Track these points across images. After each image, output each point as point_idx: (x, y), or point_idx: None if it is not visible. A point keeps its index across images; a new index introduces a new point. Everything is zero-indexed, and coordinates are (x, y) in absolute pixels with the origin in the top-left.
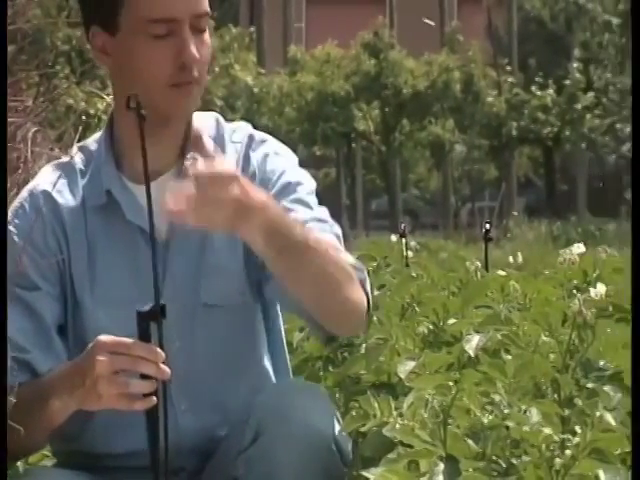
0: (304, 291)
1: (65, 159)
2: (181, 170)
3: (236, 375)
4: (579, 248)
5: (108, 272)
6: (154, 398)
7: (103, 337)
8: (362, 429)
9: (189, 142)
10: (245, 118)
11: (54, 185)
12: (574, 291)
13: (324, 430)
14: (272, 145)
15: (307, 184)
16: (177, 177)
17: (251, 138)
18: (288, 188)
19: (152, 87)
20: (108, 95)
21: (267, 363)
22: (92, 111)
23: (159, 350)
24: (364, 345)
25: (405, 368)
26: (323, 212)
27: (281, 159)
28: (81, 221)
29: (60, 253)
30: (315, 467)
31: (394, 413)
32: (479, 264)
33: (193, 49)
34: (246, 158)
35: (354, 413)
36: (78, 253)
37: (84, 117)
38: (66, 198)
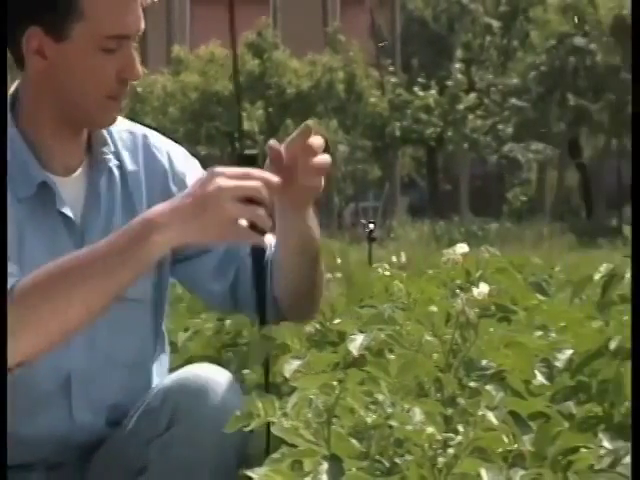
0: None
1: None
2: (91, 164)
3: (134, 373)
4: (462, 248)
5: (34, 259)
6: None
7: (218, 168)
8: (246, 429)
9: (94, 138)
10: (129, 117)
11: None
12: (457, 291)
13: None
14: (174, 143)
15: None
16: (90, 171)
17: (146, 135)
18: None
19: (91, 97)
20: None
21: (159, 362)
22: None
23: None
24: (249, 344)
25: (290, 367)
26: None
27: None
28: (10, 211)
29: None
30: (230, 448)
31: (278, 413)
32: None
33: (139, 66)
34: (148, 149)
35: (238, 413)
36: (10, 240)
37: None
38: None
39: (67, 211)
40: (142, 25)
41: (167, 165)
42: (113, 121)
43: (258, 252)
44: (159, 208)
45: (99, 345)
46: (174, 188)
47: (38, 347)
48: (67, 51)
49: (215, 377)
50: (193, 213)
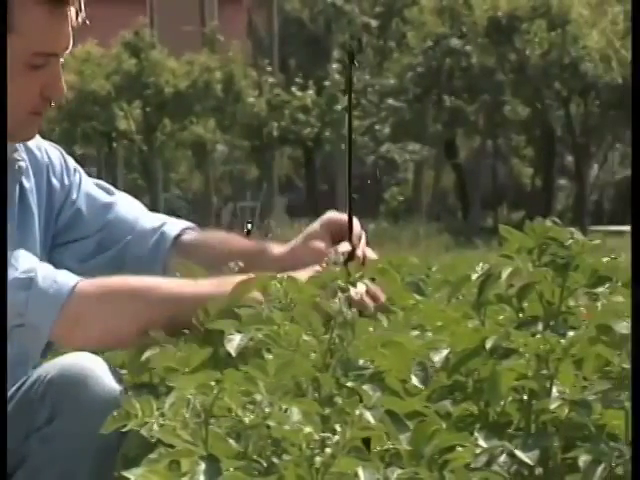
0: None
1: None
2: None
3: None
4: (344, 247)
5: None
6: None
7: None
8: (123, 430)
9: None
10: None
11: None
12: (337, 291)
13: (119, 401)
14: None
15: None
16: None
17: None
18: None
19: (14, 112)
20: None
21: None
22: None
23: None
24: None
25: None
26: None
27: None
28: None
29: None
30: (114, 438)
31: (156, 413)
32: (241, 263)
33: (63, 84)
34: (28, 148)
35: (115, 414)
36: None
37: None
38: None
39: None
40: (70, 43)
41: (47, 160)
42: (34, 136)
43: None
44: None
45: None
46: (54, 181)
47: (98, 340)
48: None
49: (94, 366)
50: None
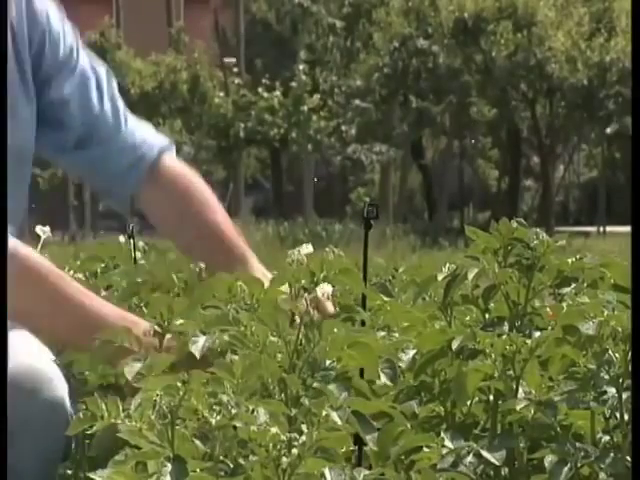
0: None
1: None
2: None
3: None
4: (307, 248)
5: None
6: None
7: None
8: (89, 431)
9: None
10: None
11: None
12: (302, 291)
13: (66, 409)
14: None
15: None
16: None
17: None
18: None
19: None
20: None
21: None
22: None
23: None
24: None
25: (132, 370)
26: None
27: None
28: None
29: None
30: (61, 450)
31: (122, 414)
32: (203, 266)
33: None
34: (30, 7)
35: (81, 415)
36: None
37: None
38: None
39: None
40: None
41: (45, 24)
42: None
43: None
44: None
45: None
46: (47, 46)
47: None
48: None
49: (40, 377)
50: None
